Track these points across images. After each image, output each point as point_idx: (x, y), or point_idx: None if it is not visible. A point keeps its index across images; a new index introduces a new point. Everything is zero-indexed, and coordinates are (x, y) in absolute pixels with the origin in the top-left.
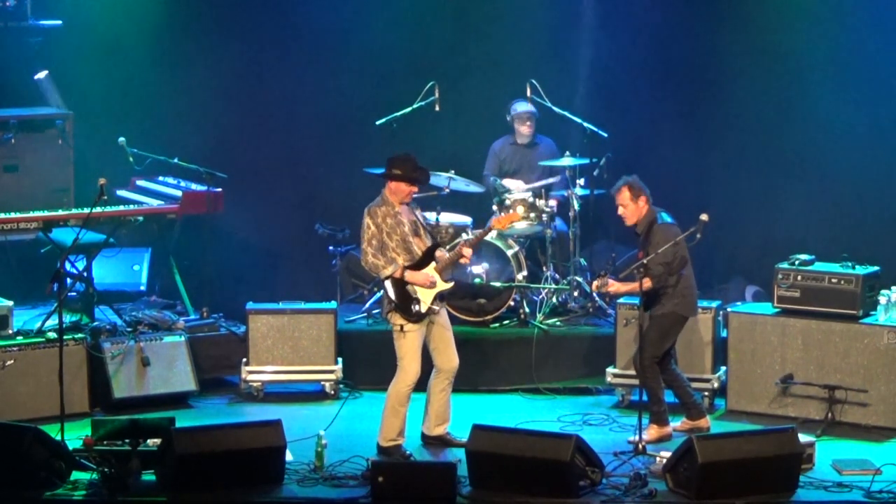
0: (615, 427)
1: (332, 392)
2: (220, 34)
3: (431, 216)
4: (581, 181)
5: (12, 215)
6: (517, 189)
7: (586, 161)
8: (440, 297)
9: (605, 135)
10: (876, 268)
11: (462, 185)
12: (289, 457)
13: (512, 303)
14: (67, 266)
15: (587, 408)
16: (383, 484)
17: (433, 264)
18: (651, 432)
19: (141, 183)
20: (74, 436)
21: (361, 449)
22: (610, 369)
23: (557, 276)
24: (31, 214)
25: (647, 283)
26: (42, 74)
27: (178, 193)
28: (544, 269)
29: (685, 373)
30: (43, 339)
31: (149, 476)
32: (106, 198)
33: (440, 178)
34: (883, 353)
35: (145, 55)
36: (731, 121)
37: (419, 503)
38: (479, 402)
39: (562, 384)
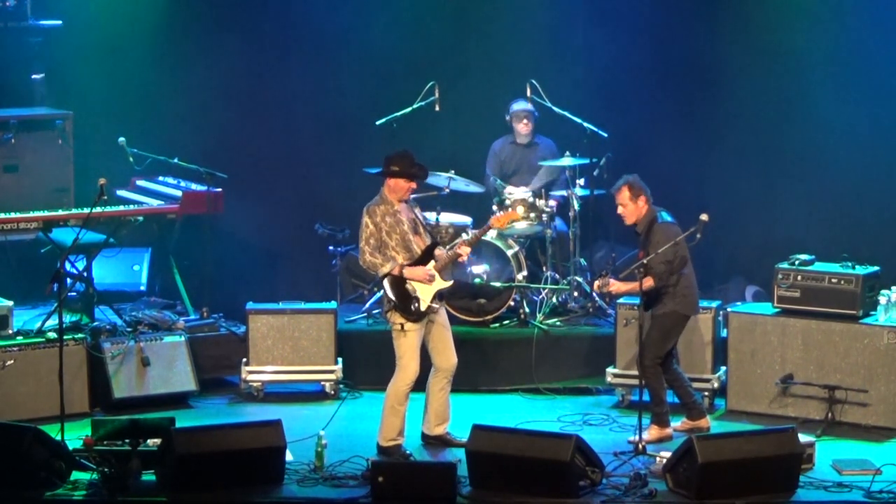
0: (615, 427)
1: (332, 392)
2: (220, 34)
3: (431, 216)
4: (581, 181)
5: (12, 215)
6: (520, 194)
7: (586, 161)
8: (439, 296)
9: (605, 135)
10: (876, 268)
11: (462, 185)
12: (289, 457)
13: (512, 303)
14: (67, 266)
15: (587, 408)
16: (383, 484)
17: (432, 263)
18: (652, 433)
19: (141, 183)
20: (74, 436)
21: (361, 449)
22: (610, 369)
23: (557, 276)
24: (31, 214)
25: (649, 282)
26: (39, 76)
27: (178, 193)
28: (544, 269)
29: (686, 373)
30: (43, 339)
31: (149, 476)
32: (106, 198)
33: (440, 178)
34: (883, 353)
35: (145, 55)
36: (731, 121)
37: (419, 503)
38: (479, 402)
39: (562, 384)
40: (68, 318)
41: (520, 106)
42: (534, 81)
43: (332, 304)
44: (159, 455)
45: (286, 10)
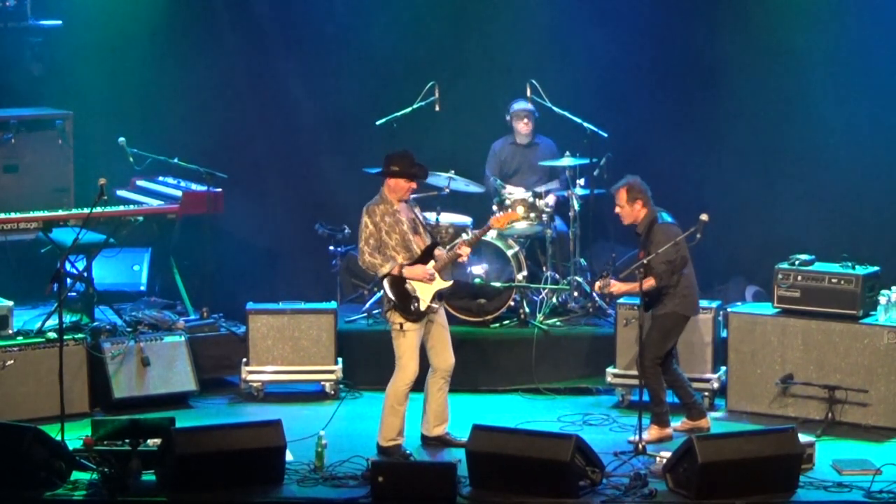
0: (615, 427)
1: (332, 392)
2: (220, 34)
3: (431, 216)
4: (581, 181)
5: (12, 215)
6: (519, 194)
7: (586, 161)
8: (439, 296)
9: (605, 135)
10: (876, 268)
11: (462, 185)
12: (289, 457)
13: (512, 303)
14: (67, 266)
15: (587, 408)
16: (383, 484)
17: (432, 263)
18: (652, 433)
19: (141, 183)
20: (74, 436)
21: (361, 449)
22: (610, 369)
23: (557, 276)
24: (31, 214)
25: (650, 282)
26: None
27: (178, 193)
28: (544, 269)
29: (685, 373)
30: (43, 339)
31: (149, 476)
32: (106, 198)
33: (440, 178)
34: (883, 353)
35: (145, 55)
36: (731, 121)
37: (419, 503)
38: (479, 402)
39: (562, 384)
40: (68, 318)
41: (520, 106)
42: (534, 81)
43: (332, 304)
44: (159, 455)
45: (286, 10)
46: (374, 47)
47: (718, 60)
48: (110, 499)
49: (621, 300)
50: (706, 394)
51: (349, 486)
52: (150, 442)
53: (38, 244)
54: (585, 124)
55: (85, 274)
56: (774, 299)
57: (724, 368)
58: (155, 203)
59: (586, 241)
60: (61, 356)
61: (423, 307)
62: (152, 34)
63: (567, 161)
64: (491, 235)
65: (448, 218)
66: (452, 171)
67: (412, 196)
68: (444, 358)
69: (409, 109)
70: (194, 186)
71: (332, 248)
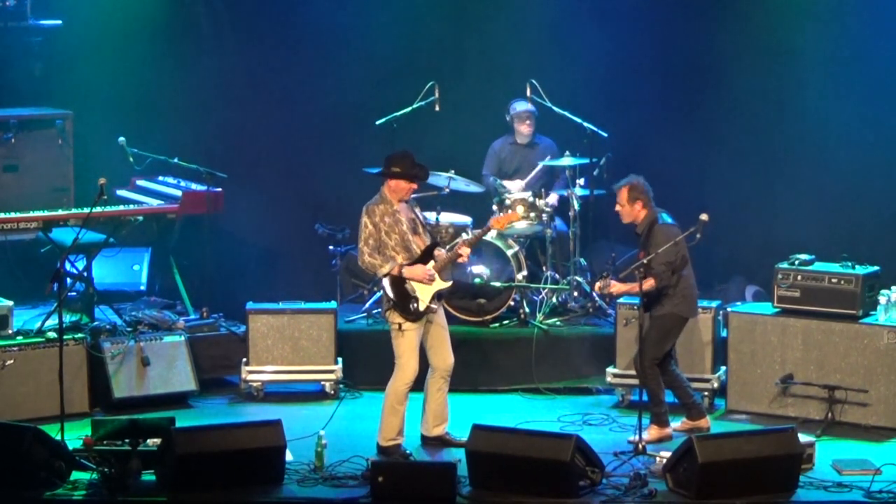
0: (615, 427)
1: (332, 392)
2: (220, 34)
3: (431, 216)
4: (581, 181)
5: (12, 215)
6: (516, 190)
7: (586, 161)
8: (438, 297)
9: (605, 135)
10: (876, 268)
11: (462, 184)
12: (289, 457)
13: (512, 303)
14: (67, 266)
15: (587, 408)
16: (383, 484)
17: (432, 263)
18: (651, 433)
19: (141, 183)
20: (74, 436)
21: (361, 449)
22: (610, 369)
23: (557, 276)
24: (31, 214)
25: (650, 282)
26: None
27: (178, 193)
28: (544, 269)
29: (685, 373)
30: (43, 339)
31: (149, 476)
32: (106, 198)
33: (440, 178)
34: (883, 353)
35: (145, 55)
36: (731, 120)
37: (419, 503)
38: (479, 402)
39: (562, 384)
40: (68, 318)
41: (522, 107)
42: (534, 81)
43: (332, 304)
44: (159, 455)
45: (286, 11)
46: (374, 47)
47: (719, 60)
48: (110, 499)
49: (621, 300)
50: (706, 394)
51: (349, 486)
52: (150, 442)
53: (38, 244)
54: (585, 124)
55: (85, 274)
56: (774, 299)
57: (723, 368)
58: (155, 203)
59: (586, 240)
60: (61, 356)
61: (422, 307)
62: (152, 34)
63: (567, 161)
64: (491, 235)
65: (448, 218)
66: (452, 171)
67: (412, 196)
68: (444, 358)
69: (409, 109)
70: (194, 186)
71: (332, 248)
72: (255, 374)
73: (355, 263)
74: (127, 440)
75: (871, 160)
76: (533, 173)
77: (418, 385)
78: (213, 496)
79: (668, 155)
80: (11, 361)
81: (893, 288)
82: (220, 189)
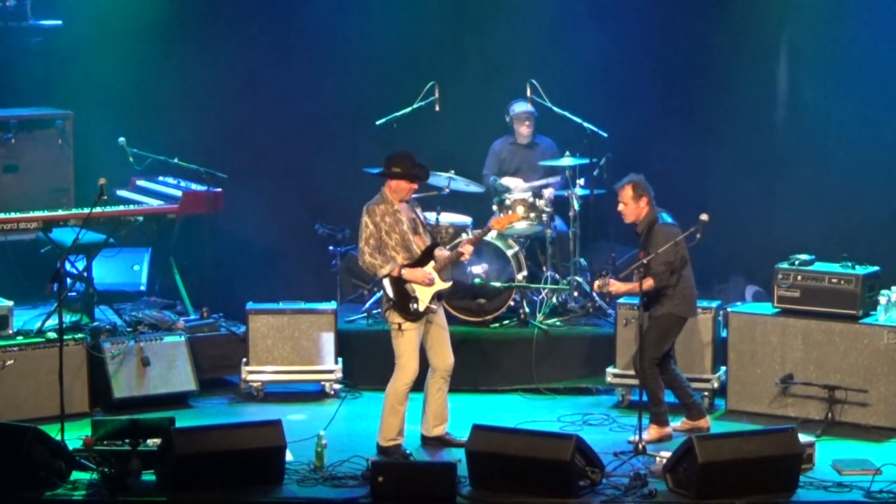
0: (615, 427)
1: (332, 392)
2: (220, 34)
3: (431, 216)
4: (581, 181)
5: (12, 215)
6: (516, 188)
7: (586, 161)
8: (438, 297)
9: (605, 135)
10: (876, 268)
11: (462, 185)
12: (289, 457)
13: (512, 303)
14: (67, 266)
15: (587, 408)
16: (383, 484)
17: (432, 263)
18: (651, 432)
19: (141, 183)
20: (74, 436)
21: (361, 449)
22: (610, 369)
23: (557, 276)
24: (31, 214)
25: (650, 282)
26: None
27: (178, 193)
28: (544, 269)
29: (685, 373)
30: (43, 339)
31: (149, 476)
32: (106, 198)
33: (440, 178)
34: (883, 353)
35: (145, 55)
36: (731, 120)
37: (419, 503)
38: (479, 402)
39: (562, 384)
40: (68, 318)
41: (521, 108)
42: (534, 81)
43: (332, 304)
44: (159, 455)
45: (286, 10)
46: (374, 47)
47: (718, 60)
48: (110, 499)
49: (621, 300)
50: (706, 394)
51: (349, 486)
52: (150, 442)
53: (38, 244)
54: (585, 124)
55: (85, 274)
56: (774, 299)
57: (723, 368)
58: (155, 203)
59: (586, 240)
60: (61, 356)
61: (421, 308)
62: (152, 34)
63: (567, 161)
64: (491, 235)
65: (448, 218)
66: (452, 171)
67: (413, 196)
68: (443, 358)
69: (409, 109)
70: (194, 186)
71: (332, 248)
72: (255, 374)
73: (355, 263)
74: (127, 440)
75: (871, 160)
76: (536, 184)
77: (418, 385)
78: (213, 496)
79: (668, 155)
80: (11, 361)
81: (893, 288)
82: (220, 189)
